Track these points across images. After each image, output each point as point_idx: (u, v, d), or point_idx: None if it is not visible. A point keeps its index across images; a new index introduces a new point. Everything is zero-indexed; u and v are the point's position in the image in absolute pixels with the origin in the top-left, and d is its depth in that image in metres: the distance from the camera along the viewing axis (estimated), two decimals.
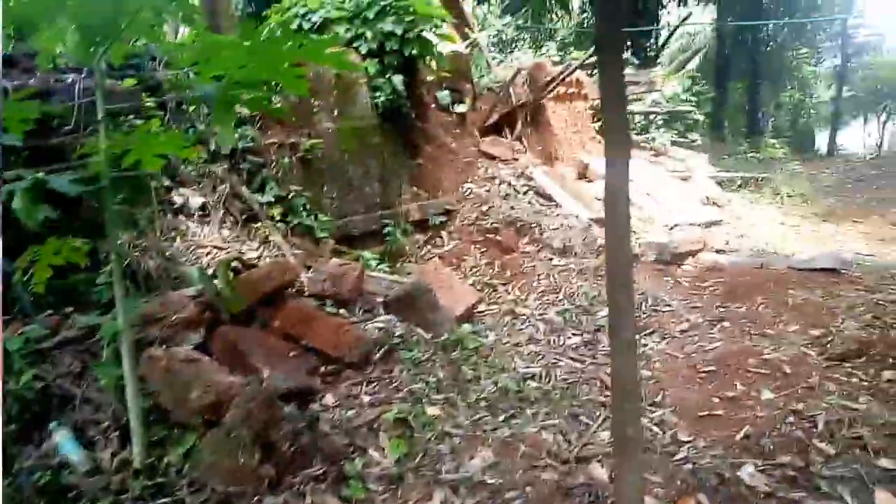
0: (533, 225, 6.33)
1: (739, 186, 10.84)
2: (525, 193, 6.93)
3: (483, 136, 7.77)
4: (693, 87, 13.57)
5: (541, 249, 6.13)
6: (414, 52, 5.76)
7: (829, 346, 4.18)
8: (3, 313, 2.98)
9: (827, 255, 6.15)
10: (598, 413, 3.66)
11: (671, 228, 7.53)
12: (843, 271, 5.71)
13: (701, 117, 13.91)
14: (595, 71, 9.91)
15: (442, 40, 6.09)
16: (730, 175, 10.97)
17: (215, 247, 4.35)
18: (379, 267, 5.14)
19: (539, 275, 5.78)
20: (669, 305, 5.22)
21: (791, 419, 3.37)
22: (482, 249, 6.22)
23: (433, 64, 6.15)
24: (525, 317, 5.12)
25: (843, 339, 4.18)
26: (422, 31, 5.71)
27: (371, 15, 5.71)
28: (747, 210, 9.77)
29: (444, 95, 7.43)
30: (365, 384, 3.52)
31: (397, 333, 3.99)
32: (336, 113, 5.54)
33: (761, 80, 20.28)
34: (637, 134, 11.08)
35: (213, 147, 4.91)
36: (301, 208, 5.08)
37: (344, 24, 5.72)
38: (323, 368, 3.58)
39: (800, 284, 5.41)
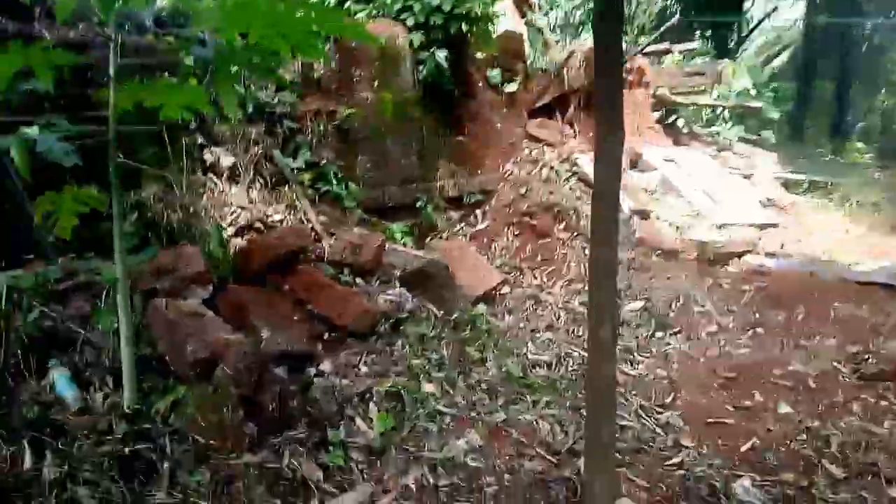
0: (570, 211, 6.17)
1: (807, 190, 10.23)
2: (567, 179, 6.74)
3: (533, 118, 7.59)
4: (770, 83, 12.85)
5: (575, 237, 5.97)
6: (461, 28, 5.66)
7: (864, 364, 3.91)
8: (24, 254, 3.13)
9: (884, 268, 5.74)
10: None
11: (721, 227, 7.18)
12: None
13: (776, 115, 13.19)
14: (661, 58, 9.55)
15: (491, 19, 5.95)
16: (798, 177, 10.36)
17: (241, 207, 4.44)
18: (404, 240, 5.14)
19: (570, 262, 5.65)
20: (702, 306, 5.00)
21: (804, 436, 3.19)
22: (516, 232, 6.12)
23: (481, 42, 6.01)
24: (548, 303, 5.03)
25: (881, 357, 3.90)
26: (470, 7, 5.59)
27: None
28: (811, 215, 9.22)
29: (494, 74, 7.28)
30: (366, 354, 3.53)
31: (407, 308, 3.98)
32: (377, 84, 5.52)
33: (852, 82, 18.94)
34: (702, 127, 10.62)
35: (250, 109, 4.98)
36: (332, 176, 5.11)
37: None
38: (326, 336, 3.61)
39: (848, 297, 5.08)
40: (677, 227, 6.66)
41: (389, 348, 3.60)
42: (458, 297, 4.37)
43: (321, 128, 5.23)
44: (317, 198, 4.98)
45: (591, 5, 12.61)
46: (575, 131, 7.85)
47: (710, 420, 3.40)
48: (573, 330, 4.66)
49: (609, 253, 2.42)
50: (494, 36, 6.57)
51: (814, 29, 17.51)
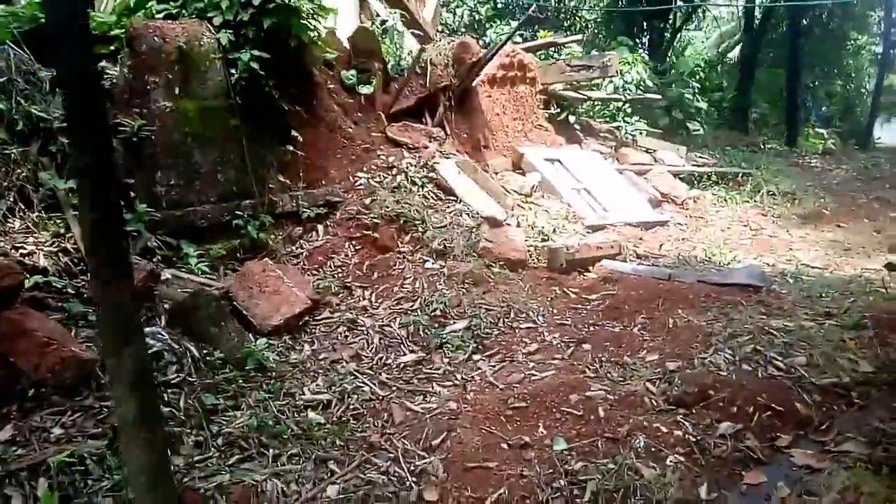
0: (418, 221, 5.74)
1: (716, 182, 9.99)
2: (423, 185, 6.32)
3: (397, 121, 7.16)
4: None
5: (418, 249, 5.55)
6: (276, 24, 5.19)
7: (674, 384, 3.53)
8: None
9: (745, 268, 5.43)
10: (354, 458, 3.11)
11: (594, 229, 6.84)
12: (760, 288, 5.00)
13: (703, 105, 12.99)
14: (545, 51, 9.21)
15: (314, 13, 5.49)
16: (706, 170, 10.12)
17: None
18: (199, 266, 4.63)
19: (405, 279, 5.21)
20: (534, 322, 4.61)
21: (561, 482, 2.77)
22: (357, 247, 5.67)
23: (308, 38, 5.54)
24: (364, 328, 4.57)
25: (691, 378, 3.52)
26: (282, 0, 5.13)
27: None
28: (714, 209, 8.97)
29: (348, 75, 6.86)
30: (69, 414, 3.02)
31: (153, 350, 3.48)
32: (177, 91, 5.01)
33: (803, 68, 18.62)
34: (605, 122, 10.33)
35: (19, 126, 4.46)
36: None
37: None
38: (31, 392, 3.09)
39: (696, 303, 4.74)
40: (541, 233, 6.28)
41: (101, 404, 3.09)
42: (234, 332, 3.89)
43: None
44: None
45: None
46: (447, 134, 7.45)
47: (471, 465, 2.97)
48: (381, 358, 4.22)
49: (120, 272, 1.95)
50: (325, 32, 6.12)
51: (753, 13, 17.27)
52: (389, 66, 7.44)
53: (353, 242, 5.71)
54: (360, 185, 6.20)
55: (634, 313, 4.66)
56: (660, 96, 9.96)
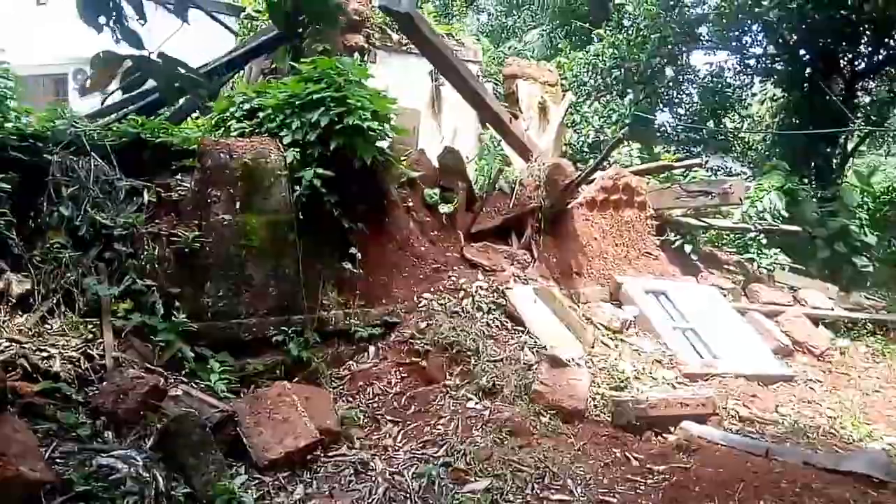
0: (471, 353, 5.25)
1: (872, 332, 8.42)
2: (489, 312, 5.86)
3: (478, 241, 6.88)
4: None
5: (466, 384, 5.02)
6: (339, 143, 5.25)
7: None
8: None
9: (868, 453, 4.25)
10: None
11: (692, 380, 5.88)
12: (885, 483, 3.84)
13: (873, 240, 11.38)
14: (654, 175, 8.63)
15: (383, 132, 5.50)
16: (861, 316, 8.59)
17: (12, 340, 4.04)
18: (217, 383, 4.47)
19: (441, 417, 4.69)
20: (570, 493, 3.83)
21: None
22: (403, 375, 5.29)
23: (375, 159, 5.53)
24: (375, 473, 4.08)
25: None
26: (353, 121, 5.20)
27: (300, 103, 5.36)
28: (862, 366, 7.47)
29: (431, 193, 6.78)
30: None
31: (113, 477, 3.26)
32: (238, 205, 5.14)
33: None
34: (734, 253, 9.30)
35: (81, 231, 4.76)
36: (152, 305, 4.65)
37: (272, 111, 5.44)
38: None
39: (790, 494, 3.70)
40: (620, 378, 5.48)
41: None
42: (215, 464, 3.59)
43: (159, 252, 4.86)
44: (126, 330, 4.49)
45: (623, 122, 12.02)
46: (533, 257, 7.02)
47: None
48: None
49: None
50: (405, 154, 6.12)
51: None
52: (481, 185, 7.27)
53: (402, 369, 5.34)
54: (423, 306, 5.89)
55: (704, 498, 3.72)
56: (798, 228, 8.81)
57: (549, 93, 12.12)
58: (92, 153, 5.18)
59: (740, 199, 7.75)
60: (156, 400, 3.93)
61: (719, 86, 15.89)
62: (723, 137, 16.64)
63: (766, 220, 8.88)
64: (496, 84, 11.59)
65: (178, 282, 4.93)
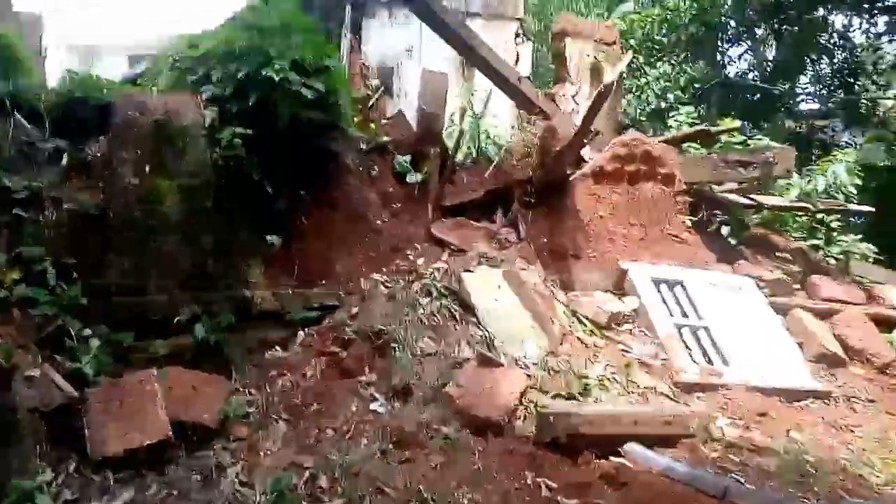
0: (398, 344, 4.62)
1: None
2: (439, 298, 5.16)
3: (455, 216, 6.16)
4: None
5: (379, 381, 4.41)
6: (255, 98, 4.72)
7: None
8: None
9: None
10: None
11: (684, 391, 4.94)
12: None
13: None
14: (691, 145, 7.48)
15: (311, 87, 4.88)
16: None
17: None
18: (86, 365, 4.12)
19: (335, 419, 4.11)
20: None
21: None
22: (322, 367, 4.75)
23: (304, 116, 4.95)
24: (225, 482, 3.60)
25: None
26: (267, 73, 4.65)
27: (223, 52, 4.88)
28: None
29: (402, 161, 6.13)
30: None
31: None
32: (148, 168, 4.75)
33: None
34: (794, 239, 7.94)
35: None
36: (45, 276, 4.37)
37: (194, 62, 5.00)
38: None
39: None
40: (582, 385, 4.64)
41: None
42: (16, 457, 3.23)
43: (57, 218, 4.58)
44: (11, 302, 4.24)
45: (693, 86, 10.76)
46: (519, 235, 6.22)
47: None
48: None
49: None
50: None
51: None
52: (465, 153, 6.52)
53: (323, 360, 4.80)
54: (369, 289, 5.30)
55: None
56: (871, 208, 7.33)
57: (604, 52, 10.98)
58: (15, 113, 4.97)
59: (788, 171, 6.47)
60: None
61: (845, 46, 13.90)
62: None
63: (836, 197, 7.46)
64: (537, 45, 10.60)
65: (78, 251, 4.62)
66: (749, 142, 7.88)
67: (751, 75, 16.83)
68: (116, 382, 3.98)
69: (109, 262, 4.72)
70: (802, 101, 16.26)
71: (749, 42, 16.68)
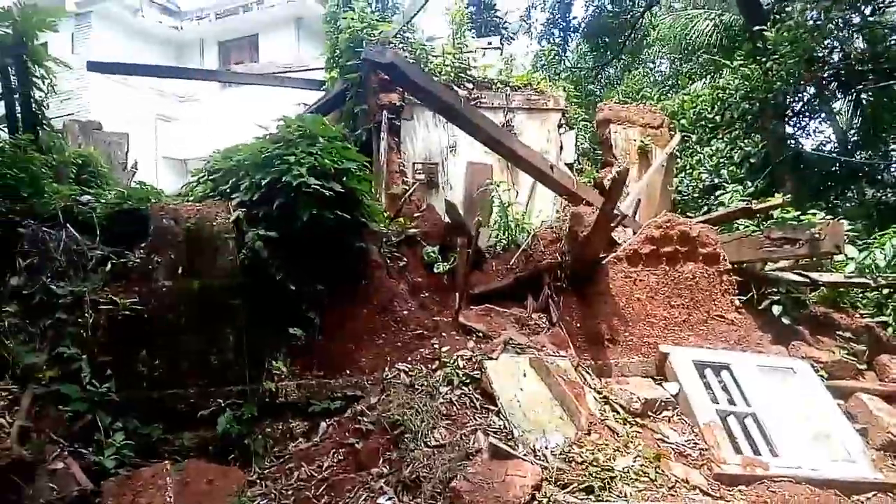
0: (412, 436, 4.59)
1: None
2: (460, 386, 5.11)
3: (482, 305, 6.18)
4: None
5: (391, 473, 4.36)
6: (284, 200, 5.05)
7: None
8: None
9: None
10: None
11: (725, 484, 4.59)
12: None
13: None
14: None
15: (331, 188, 5.17)
16: None
17: None
18: (110, 458, 4.32)
19: None
20: None
21: None
22: (340, 457, 4.76)
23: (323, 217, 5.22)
24: None
25: None
26: (289, 179, 4.99)
27: (250, 163, 5.29)
28: None
29: (430, 252, 6.28)
30: None
31: None
32: (181, 270, 5.11)
33: None
34: (860, 317, 7.41)
35: (35, 300, 5.02)
36: (79, 373, 4.70)
37: (223, 173, 5.44)
38: None
39: None
40: (604, 480, 4.41)
41: None
42: None
43: (95, 320, 4.95)
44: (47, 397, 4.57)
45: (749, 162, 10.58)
46: (551, 321, 6.15)
47: None
48: None
49: None
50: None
51: None
52: (496, 242, 6.62)
53: (342, 451, 4.82)
54: (392, 378, 5.33)
55: None
56: None
57: (650, 136, 11.05)
58: (66, 224, 5.50)
59: (837, 248, 6.11)
60: (20, 473, 3.87)
61: None
62: None
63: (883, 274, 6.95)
64: (579, 131, 10.79)
65: (113, 349, 4.95)
66: (803, 218, 7.57)
67: (829, 147, 16.45)
68: (132, 475, 4.13)
69: (142, 360, 5.00)
70: (885, 169, 15.57)
71: (824, 114, 16.35)
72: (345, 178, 5.33)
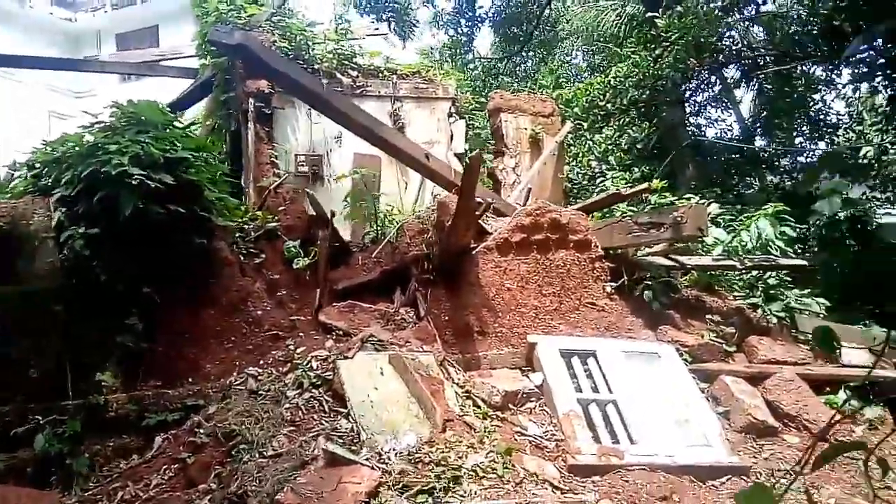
0: (246, 448, 4.27)
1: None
2: (311, 389, 4.83)
3: (346, 300, 5.91)
4: None
5: (217, 489, 4.04)
6: (106, 193, 4.61)
7: None
8: None
9: None
10: None
11: (577, 474, 4.50)
12: None
13: None
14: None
15: (159, 180, 4.76)
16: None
17: None
18: None
19: None
20: None
21: None
22: (171, 474, 4.39)
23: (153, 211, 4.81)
24: None
25: None
26: (110, 170, 4.55)
27: (73, 154, 4.82)
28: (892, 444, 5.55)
29: (290, 247, 5.95)
30: None
31: None
32: None
33: None
34: (737, 299, 7.57)
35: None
36: None
37: (44, 166, 4.94)
38: None
39: None
40: (450, 479, 4.22)
41: None
42: None
43: None
44: None
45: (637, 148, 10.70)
46: (419, 315, 5.94)
47: None
48: None
49: None
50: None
51: None
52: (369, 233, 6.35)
53: (174, 467, 4.45)
54: (238, 384, 5.00)
55: None
56: (803, 262, 6.98)
57: (541, 124, 11.02)
58: None
59: (700, 230, 6.17)
60: None
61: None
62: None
63: (771, 253, 7.12)
64: (468, 121, 10.65)
65: None
66: (679, 202, 7.66)
67: (730, 134, 17.03)
68: None
69: None
70: (782, 155, 16.21)
71: (727, 102, 16.91)
72: (180, 169, 4.92)
